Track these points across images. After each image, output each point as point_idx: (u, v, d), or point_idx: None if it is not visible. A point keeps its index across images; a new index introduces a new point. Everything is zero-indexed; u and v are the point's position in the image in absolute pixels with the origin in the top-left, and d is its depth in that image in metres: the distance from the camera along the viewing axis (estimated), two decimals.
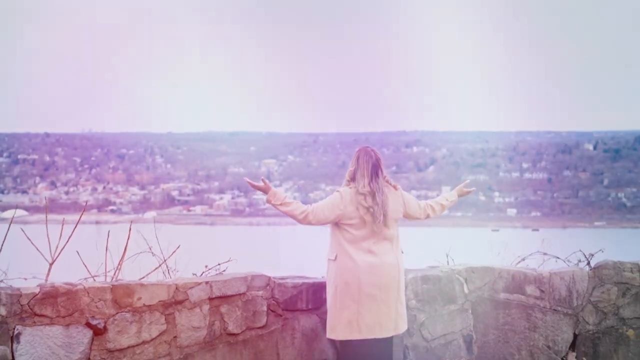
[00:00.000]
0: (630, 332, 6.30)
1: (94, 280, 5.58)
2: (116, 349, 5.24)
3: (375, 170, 5.50)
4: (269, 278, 5.88)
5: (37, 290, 5.12)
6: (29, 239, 6.76)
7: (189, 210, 70.82)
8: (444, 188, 68.91)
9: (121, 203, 70.64)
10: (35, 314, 5.07)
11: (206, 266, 5.93)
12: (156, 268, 6.11)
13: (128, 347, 5.28)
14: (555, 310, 6.37)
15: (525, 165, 70.43)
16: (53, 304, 5.11)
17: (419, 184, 69.75)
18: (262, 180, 5.61)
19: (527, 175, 70.56)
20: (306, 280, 6.05)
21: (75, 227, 6.59)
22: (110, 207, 71.51)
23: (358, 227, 5.50)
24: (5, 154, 73.50)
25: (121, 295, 5.28)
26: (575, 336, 6.38)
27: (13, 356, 4.99)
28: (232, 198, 71.73)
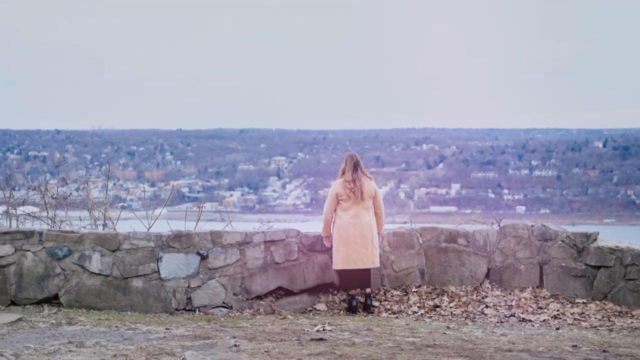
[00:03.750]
0: (522, 267, 10.64)
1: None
2: (213, 267, 9.66)
3: (355, 167, 9.94)
4: (299, 231, 10.28)
5: (170, 233, 9.58)
6: (135, 214, 11.42)
7: (198, 207, 74.56)
8: (453, 185, 72.24)
9: (131, 200, 74.97)
10: (170, 246, 9.52)
11: (262, 222, 10.41)
12: (227, 224, 10.60)
13: (219, 267, 9.69)
14: (476, 253, 10.73)
15: (534, 163, 73.70)
16: (179, 241, 9.56)
17: (428, 181, 73.03)
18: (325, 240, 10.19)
19: (536, 172, 73.84)
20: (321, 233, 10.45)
21: (163, 207, 11.25)
22: (121, 204, 75.38)
23: (346, 201, 9.95)
24: (16, 151, 77.50)
25: (215, 237, 9.70)
26: (488, 270, 10.75)
27: (158, 269, 9.45)
28: (242, 195, 75.45)
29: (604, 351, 7.71)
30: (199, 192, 79.44)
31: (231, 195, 79.08)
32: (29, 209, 11.39)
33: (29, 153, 77.38)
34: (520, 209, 72.41)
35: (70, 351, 7.13)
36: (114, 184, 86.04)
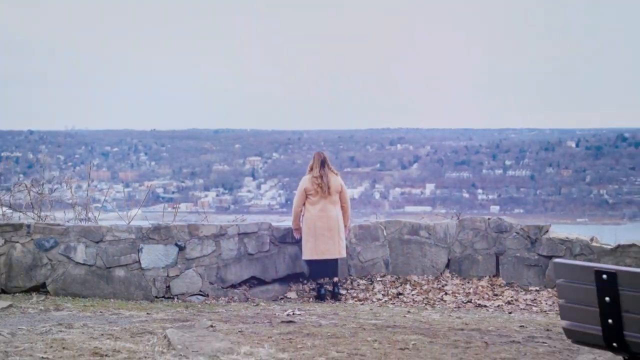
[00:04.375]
0: (480, 257, 11.51)
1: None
2: (190, 258, 10.44)
3: (322, 164, 10.75)
4: (270, 224, 11.09)
5: (150, 225, 10.35)
6: (118, 213, 12.12)
7: (173, 208, 74.83)
8: (427, 185, 73.10)
9: (106, 200, 75.20)
10: (150, 238, 10.30)
11: (236, 217, 11.20)
12: (204, 218, 11.38)
13: (196, 258, 10.47)
14: (437, 245, 11.59)
15: (508, 163, 74.68)
16: (158, 233, 10.33)
17: (402, 181, 73.75)
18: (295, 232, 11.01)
19: (510, 172, 74.83)
20: (291, 226, 11.27)
21: (140, 206, 11.99)
22: (95, 205, 75.53)
23: (314, 195, 10.77)
24: None
25: (192, 229, 10.49)
26: (448, 260, 11.60)
27: (139, 259, 10.22)
28: (217, 195, 75.93)
29: (548, 330, 8.60)
30: (173, 192, 79.85)
31: (206, 196, 79.60)
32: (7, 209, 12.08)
33: (1, 154, 77.65)
34: (495, 208, 73.55)
35: (61, 331, 7.89)
36: (89, 185, 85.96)
